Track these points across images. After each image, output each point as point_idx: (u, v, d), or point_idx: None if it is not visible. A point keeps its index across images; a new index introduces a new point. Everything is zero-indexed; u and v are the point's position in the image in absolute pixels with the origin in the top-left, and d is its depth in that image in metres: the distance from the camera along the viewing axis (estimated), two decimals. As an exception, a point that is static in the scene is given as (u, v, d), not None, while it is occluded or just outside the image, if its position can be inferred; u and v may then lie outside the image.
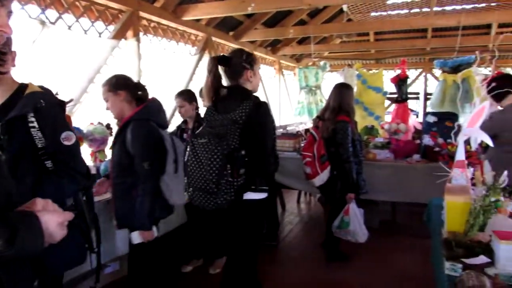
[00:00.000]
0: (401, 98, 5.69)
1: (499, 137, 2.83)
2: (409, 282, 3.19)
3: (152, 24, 4.63)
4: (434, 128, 4.24)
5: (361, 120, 5.69)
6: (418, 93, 9.49)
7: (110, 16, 4.00)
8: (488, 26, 7.14)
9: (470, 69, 4.94)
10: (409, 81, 6.65)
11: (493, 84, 3.06)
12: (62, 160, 1.48)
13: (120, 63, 4.17)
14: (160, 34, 4.81)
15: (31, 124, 1.41)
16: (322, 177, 3.22)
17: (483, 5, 6.33)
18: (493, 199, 1.71)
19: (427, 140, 4.21)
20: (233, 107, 2.15)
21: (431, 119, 4.35)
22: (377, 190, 4.11)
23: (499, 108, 3.13)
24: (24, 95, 1.43)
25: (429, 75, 9.80)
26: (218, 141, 2.05)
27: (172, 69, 5.49)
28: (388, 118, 6.01)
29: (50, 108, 1.47)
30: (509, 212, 1.96)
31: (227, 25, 6.18)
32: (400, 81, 5.60)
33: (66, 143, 1.47)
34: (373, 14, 7.09)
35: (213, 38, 5.84)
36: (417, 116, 6.97)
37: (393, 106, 6.04)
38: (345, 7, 6.18)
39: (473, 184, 2.26)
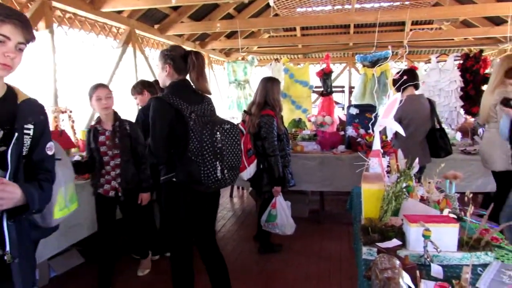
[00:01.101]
0: (326, 91, 5.93)
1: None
2: (338, 268, 3.34)
3: (68, 15, 4.31)
4: (356, 120, 4.46)
5: (289, 113, 5.83)
6: (343, 87, 9.97)
7: (17, 5, 3.64)
8: (403, 24, 7.65)
9: (387, 63, 5.26)
10: (333, 75, 6.95)
11: (403, 77, 3.27)
12: (46, 169, 1.46)
13: (32, 57, 3.83)
14: (77, 26, 4.49)
15: (26, 131, 1.37)
16: (249, 171, 3.23)
17: (398, 3, 6.77)
18: (404, 184, 1.82)
19: (350, 131, 4.42)
20: (200, 99, 2.33)
21: (353, 111, 4.56)
22: (305, 181, 4.25)
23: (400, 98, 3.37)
24: (22, 101, 1.39)
25: (353, 70, 10.32)
26: (236, 125, 2.32)
27: (93, 63, 5.17)
28: (315, 111, 6.23)
29: (46, 118, 1.49)
30: (420, 197, 2.10)
31: (152, 18, 5.95)
32: (325, 75, 5.83)
33: (49, 152, 1.47)
34: (298, 10, 7.26)
35: (137, 31, 5.60)
36: (343, 109, 7.30)
37: (320, 99, 6.28)
38: (271, 2, 6.23)
39: (389, 172, 2.41)
